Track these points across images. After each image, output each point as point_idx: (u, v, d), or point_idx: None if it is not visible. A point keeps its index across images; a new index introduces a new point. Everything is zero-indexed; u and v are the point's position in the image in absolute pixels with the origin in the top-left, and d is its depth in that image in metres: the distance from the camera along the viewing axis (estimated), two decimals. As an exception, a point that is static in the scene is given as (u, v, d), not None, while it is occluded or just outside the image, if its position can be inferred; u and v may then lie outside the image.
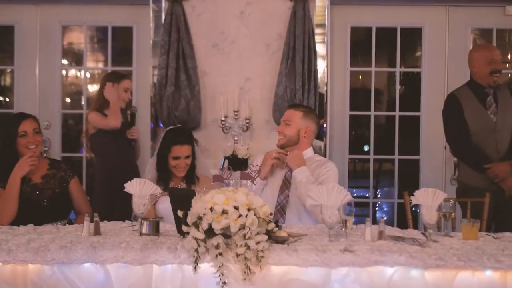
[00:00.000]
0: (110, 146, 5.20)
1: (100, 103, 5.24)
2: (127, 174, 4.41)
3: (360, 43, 6.65)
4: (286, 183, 4.39)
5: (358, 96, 7.33)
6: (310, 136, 4.50)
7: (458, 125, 4.99)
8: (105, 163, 5.23)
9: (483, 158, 4.89)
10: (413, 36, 6.67)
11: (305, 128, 4.43)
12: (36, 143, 4.36)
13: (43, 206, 4.29)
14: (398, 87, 6.50)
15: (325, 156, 5.83)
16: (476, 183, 4.93)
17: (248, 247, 2.96)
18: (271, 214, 3.14)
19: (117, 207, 4.63)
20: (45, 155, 5.72)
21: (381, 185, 8.00)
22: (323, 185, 3.38)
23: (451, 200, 3.60)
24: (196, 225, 3.02)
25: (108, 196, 5.03)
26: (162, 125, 5.84)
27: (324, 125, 5.95)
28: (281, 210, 4.31)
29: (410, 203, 3.62)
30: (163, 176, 4.61)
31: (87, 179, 6.34)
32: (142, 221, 3.47)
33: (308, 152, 4.49)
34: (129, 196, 3.58)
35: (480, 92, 5.01)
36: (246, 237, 2.96)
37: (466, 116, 4.96)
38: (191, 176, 4.64)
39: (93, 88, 7.57)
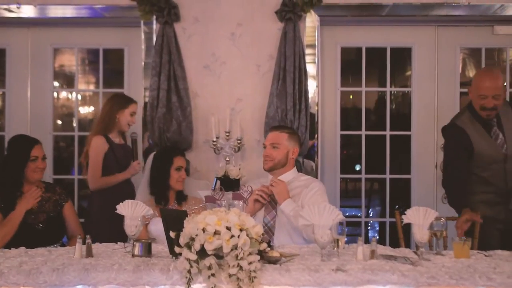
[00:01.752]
0: (113, 169, 5.21)
1: (105, 126, 5.24)
2: (130, 196, 4.41)
3: (351, 63, 6.69)
4: (272, 203, 4.38)
5: (349, 115, 7.36)
6: (296, 156, 4.54)
7: (457, 159, 4.69)
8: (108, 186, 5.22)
9: (461, 205, 4.52)
10: (403, 56, 6.70)
11: (292, 149, 4.48)
12: (43, 168, 4.51)
13: (37, 230, 4.32)
14: (388, 106, 6.53)
15: (316, 176, 5.86)
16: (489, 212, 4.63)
17: (241, 268, 2.97)
18: (263, 234, 3.15)
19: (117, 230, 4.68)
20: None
21: (372, 204, 8.00)
22: (315, 205, 3.38)
23: (442, 218, 3.62)
24: (189, 246, 3.02)
25: (105, 219, 5.01)
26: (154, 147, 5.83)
27: (316, 145, 5.97)
28: (268, 231, 4.30)
29: (402, 221, 3.64)
30: (163, 194, 4.70)
31: (79, 201, 6.32)
32: (134, 243, 3.47)
33: (293, 172, 4.52)
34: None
35: (484, 122, 4.68)
36: (239, 258, 2.97)
37: (476, 151, 4.64)
38: (181, 192, 4.75)
39: (85, 110, 7.58)
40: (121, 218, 3.62)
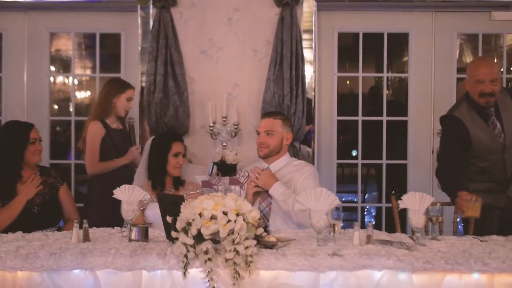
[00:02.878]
0: (111, 154, 5.21)
1: (102, 111, 5.25)
2: (128, 181, 4.42)
3: (348, 48, 6.68)
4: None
5: (346, 101, 7.36)
6: (289, 142, 4.54)
7: (453, 151, 4.67)
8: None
9: (456, 189, 4.40)
10: (400, 41, 6.70)
11: (286, 135, 4.48)
12: (41, 150, 4.54)
13: (33, 213, 4.33)
14: (385, 92, 6.53)
15: (313, 162, 5.87)
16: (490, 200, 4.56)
17: (237, 252, 2.98)
18: (259, 219, 3.16)
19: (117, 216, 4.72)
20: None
21: (369, 190, 8.02)
22: (311, 190, 3.38)
23: (438, 204, 3.62)
24: (185, 230, 3.03)
25: (104, 204, 5.02)
26: (151, 132, 5.83)
27: (312, 130, 5.97)
28: (264, 217, 4.31)
29: (398, 207, 3.65)
30: (160, 179, 4.70)
31: (76, 186, 6.33)
32: (131, 227, 3.48)
33: (286, 158, 4.53)
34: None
35: (482, 112, 4.64)
36: (235, 242, 2.98)
37: (474, 141, 4.60)
38: (178, 177, 4.75)
39: (81, 94, 7.58)
40: (120, 203, 3.63)
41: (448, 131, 4.75)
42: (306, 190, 3.40)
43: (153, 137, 5.20)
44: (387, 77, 6.46)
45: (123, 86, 5.32)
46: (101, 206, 4.97)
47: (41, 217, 4.33)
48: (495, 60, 6.37)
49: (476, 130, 4.61)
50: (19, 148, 4.38)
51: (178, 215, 3.09)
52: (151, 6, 5.87)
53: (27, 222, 4.19)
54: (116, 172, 5.18)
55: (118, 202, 3.62)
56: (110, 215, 4.55)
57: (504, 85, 6.24)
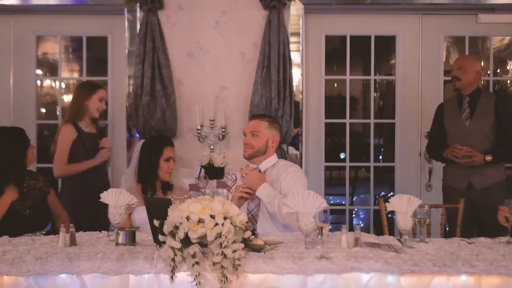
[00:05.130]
0: (81, 158, 5.19)
1: (74, 113, 5.24)
2: (97, 185, 4.43)
3: (335, 51, 6.70)
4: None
5: (334, 104, 7.37)
6: (276, 145, 4.54)
7: (434, 130, 5.51)
8: (75, 175, 5.20)
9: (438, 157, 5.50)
10: (387, 44, 6.72)
11: (272, 137, 4.48)
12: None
13: (25, 216, 4.35)
14: (373, 94, 6.54)
15: (301, 164, 5.87)
16: (455, 184, 5.29)
17: (225, 256, 2.97)
18: (247, 222, 3.15)
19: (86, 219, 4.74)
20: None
21: (357, 192, 8.03)
22: (299, 192, 3.38)
23: (426, 206, 3.63)
24: (173, 234, 3.02)
25: (75, 207, 5.02)
26: (137, 135, 5.81)
27: (300, 133, 5.97)
28: (252, 218, 4.31)
29: (386, 209, 3.66)
30: (151, 184, 4.69)
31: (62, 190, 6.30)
32: (118, 231, 3.47)
33: (273, 159, 4.52)
34: (102, 207, 3.59)
35: (460, 99, 5.31)
36: (223, 246, 2.97)
37: (445, 122, 5.35)
38: (167, 182, 4.74)
39: (68, 98, 7.53)
40: (90, 207, 3.62)
41: (435, 114, 5.52)
42: (294, 193, 3.40)
43: (143, 140, 5.18)
44: (375, 80, 6.45)
45: (94, 87, 5.34)
46: (72, 209, 4.95)
47: (32, 220, 4.35)
48: (482, 63, 6.41)
49: (448, 111, 5.36)
50: (22, 152, 4.47)
51: (166, 219, 3.08)
52: (138, 9, 5.86)
53: (18, 224, 4.22)
54: (85, 175, 5.17)
55: (89, 206, 3.62)
56: (82, 218, 4.66)
57: (491, 87, 6.30)
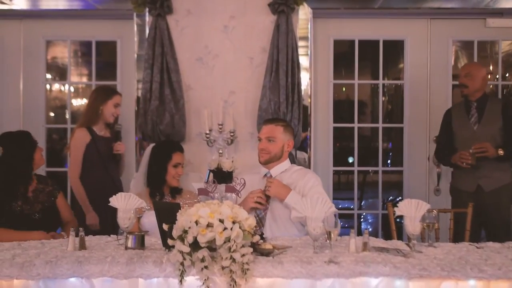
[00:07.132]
0: (95, 161, 5.20)
1: (89, 118, 5.26)
2: (110, 189, 4.43)
3: (343, 55, 6.70)
4: (266, 195, 4.37)
5: (342, 108, 7.37)
6: (291, 149, 4.54)
7: (443, 134, 5.53)
8: (88, 177, 5.22)
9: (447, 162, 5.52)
10: (395, 49, 6.71)
11: (287, 142, 4.47)
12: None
13: (34, 220, 4.36)
14: (381, 99, 6.54)
15: (309, 168, 5.85)
16: (464, 186, 5.30)
17: (234, 260, 2.98)
18: (255, 226, 3.15)
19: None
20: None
21: (365, 197, 8.02)
22: (308, 197, 3.39)
23: (434, 210, 3.63)
24: (182, 238, 3.03)
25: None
26: (146, 139, 5.82)
27: (308, 137, 5.98)
28: (259, 222, 4.30)
29: (394, 214, 3.66)
30: (158, 188, 4.68)
31: (72, 193, 6.31)
32: (128, 235, 3.48)
33: (286, 164, 4.52)
34: (112, 211, 3.60)
35: (468, 104, 5.37)
36: (231, 250, 2.98)
37: (453, 126, 5.42)
38: (176, 186, 4.74)
39: (77, 102, 7.57)
40: (103, 211, 3.63)
41: (443, 119, 5.57)
42: (302, 198, 3.40)
43: (153, 144, 5.18)
44: (383, 84, 6.45)
45: (110, 92, 5.35)
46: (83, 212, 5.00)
47: (41, 223, 4.35)
48: (491, 67, 6.40)
49: (457, 116, 5.42)
50: (30, 156, 4.47)
51: (174, 223, 3.09)
52: (147, 14, 5.88)
53: (28, 228, 4.20)
54: (102, 181, 5.19)
55: (103, 212, 3.63)
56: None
57: (500, 92, 6.28)
